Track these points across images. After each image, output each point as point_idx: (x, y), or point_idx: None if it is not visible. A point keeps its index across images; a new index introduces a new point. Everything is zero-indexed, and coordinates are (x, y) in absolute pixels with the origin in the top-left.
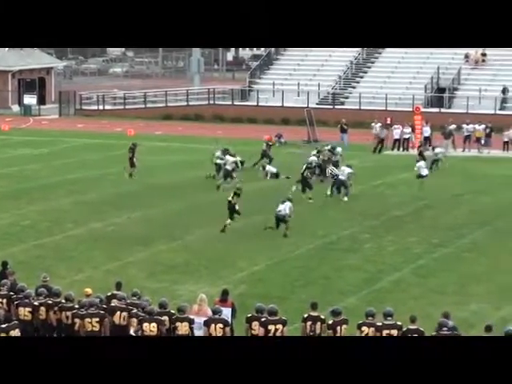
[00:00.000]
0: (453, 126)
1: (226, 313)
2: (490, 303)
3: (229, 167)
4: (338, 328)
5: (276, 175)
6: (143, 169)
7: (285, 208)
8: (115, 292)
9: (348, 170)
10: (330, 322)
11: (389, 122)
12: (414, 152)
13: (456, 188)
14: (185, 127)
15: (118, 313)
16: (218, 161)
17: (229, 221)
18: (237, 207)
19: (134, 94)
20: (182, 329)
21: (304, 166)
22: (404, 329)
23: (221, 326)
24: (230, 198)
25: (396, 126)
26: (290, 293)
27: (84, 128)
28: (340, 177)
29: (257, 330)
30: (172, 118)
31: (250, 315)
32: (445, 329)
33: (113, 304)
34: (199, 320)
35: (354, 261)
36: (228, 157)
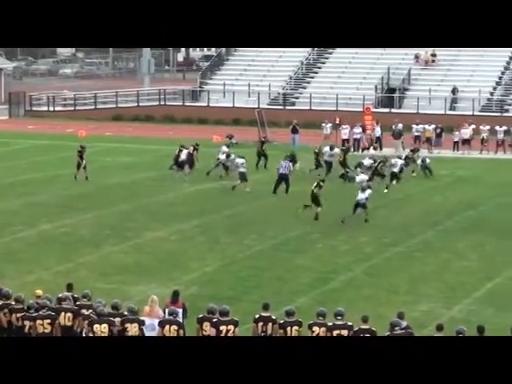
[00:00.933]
0: (400, 126)
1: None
2: (441, 303)
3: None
4: (289, 328)
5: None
6: (94, 170)
7: (365, 195)
8: (67, 293)
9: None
10: (282, 321)
11: (338, 122)
12: (365, 152)
13: (407, 188)
14: (135, 128)
15: (63, 314)
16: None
17: (319, 209)
18: (319, 198)
19: (85, 95)
20: (132, 330)
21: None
22: (356, 329)
23: (175, 327)
24: (313, 188)
25: (344, 126)
26: (241, 293)
27: (34, 129)
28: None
29: (208, 330)
30: (122, 118)
31: (201, 316)
32: (397, 328)
33: (59, 305)
34: (151, 321)
35: (305, 261)
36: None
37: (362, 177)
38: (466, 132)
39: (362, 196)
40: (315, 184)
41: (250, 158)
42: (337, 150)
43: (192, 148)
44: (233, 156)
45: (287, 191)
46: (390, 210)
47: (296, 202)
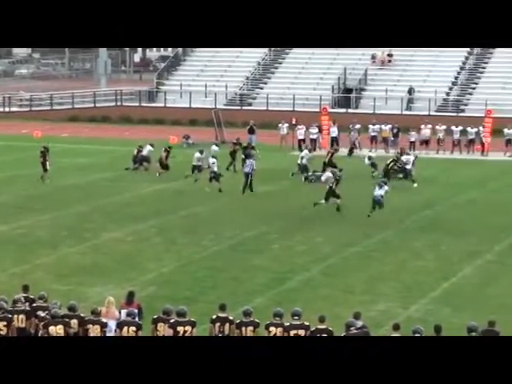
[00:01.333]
0: (357, 126)
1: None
2: (398, 302)
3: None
4: (244, 328)
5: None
6: (51, 171)
7: (381, 192)
8: (19, 295)
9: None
10: (238, 321)
11: (294, 122)
12: (322, 152)
13: (364, 188)
14: (91, 129)
15: (16, 316)
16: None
17: (339, 200)
18: (337, 191)
19: (41, 96)
20: (94, 331)
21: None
22: (312, 328)
23: (134, 328)
24: (331, 184)
25: (300, 127)
26: (198, 294)
27: None
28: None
29: (162, 331)
30: (79, 119)
31: (155, 317)
32: (352, 328)
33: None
34: (108, 323)
35: (262, 261)
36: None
37: (327, 174)
38: (426, 132)
39: (378, 192)
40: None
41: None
42: (306, 152)
43: (164, 151)
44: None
45: (251, 190)
46: (346, 210)
47: (254, 202)
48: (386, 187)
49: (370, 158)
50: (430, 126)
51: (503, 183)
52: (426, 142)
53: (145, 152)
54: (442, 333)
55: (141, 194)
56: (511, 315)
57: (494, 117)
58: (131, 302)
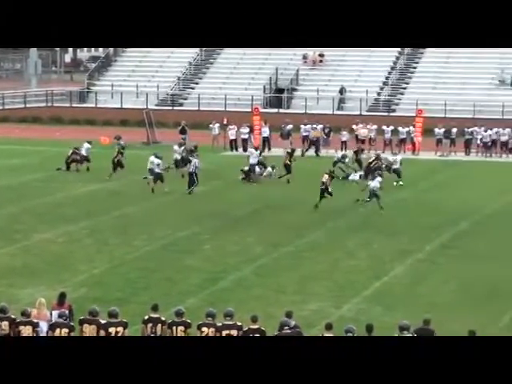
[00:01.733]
0: (290, 127)
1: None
2: (330, 302)
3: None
4: (174, 328)
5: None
6: None
7: (376, 184)
8: None
9: None
10: (169, 321)
11: (225, 122)
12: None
13: (296, 188)
14: (22, 129)
15: None
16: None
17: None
18: (330, 189)
19: None
20: (26, 332)
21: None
22: (245, 328)
23: (66, 330)
24: (324, 180)
25: (231, 127)
26: (130, 295)
27: None
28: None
29: (87, 332)
30: (9, 120)
31: (81, 318)
32: (286, 328)
33: None
34: (39, 324)
35: (194, 261)
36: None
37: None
38: (365, 132)
39: (373, 184)
40: (327, 176)
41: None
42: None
43: (117, 151)
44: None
45: (189, 189)
46: (277, 211)
47: (187, 202)
48: (378, 178)
49: (343, 156)
50: (375, 126)
51: (433, 183)
52: (362, 142)
53: (84, 151)
54: (373, 332)
55: (73, 194)
56: (441, 314)
57: (424, 116)
58: (63, 303)
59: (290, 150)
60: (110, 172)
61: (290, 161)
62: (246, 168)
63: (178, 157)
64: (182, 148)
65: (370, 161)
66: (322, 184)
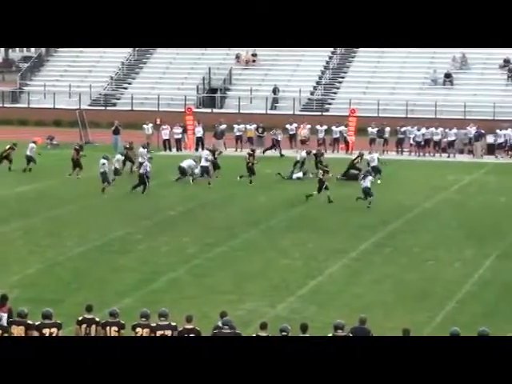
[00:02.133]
0: (223, 126)
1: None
2: (265, 301)
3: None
4: (108, 328)
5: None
6: None
7: (367, 182)
8: None
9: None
10: (103, 321)
11: (158, 122)
12: (188, 152)
13: (231, 188)
14: None
15: None
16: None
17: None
18: (326, 183)
19: None
20: None
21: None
22: (180, 329)
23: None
24: (321, 177)
25: (164, 127)
26: (64, 296)
27: None
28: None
29: (16, 333)
30: None
31: (11, 319)
32: (226, 327)
33: None
34: None
35: (128, 262)
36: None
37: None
38: (305, 132)
39: (365, 184)
40: (323, 171)
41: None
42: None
43: (74, 150)
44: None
45: (143, 191)
46: (210, 210)
47: (120, 203)
48: (370, 177)
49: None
50: (309, 126)
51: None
52: (302, 142)
53: (29, 152)
54: (308, 331)
55: (3, 195)
56: (376, 312)
57: (357, 116)
58: (3, 305)
59: (251, 151)
60: (71, 171)
61: (251, 162)
62: (197, 170)
63: (141, 160)
64: (146, 150)
65: (353, 158)
66: (320, 181)
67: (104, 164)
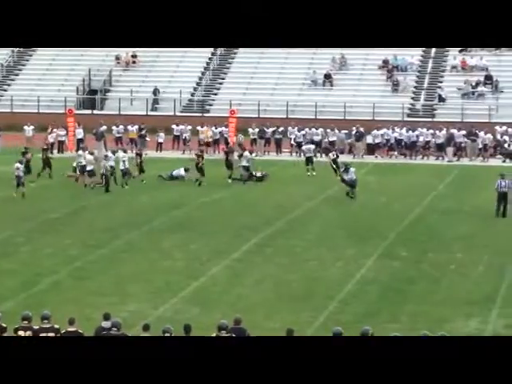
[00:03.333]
0: (104, 128)
1: None
2: (148, 302)
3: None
4: None
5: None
6: None
7: (351, 174)
8: None
9: None
10: None
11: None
12: (70, 153)
13: (113, 189)
14: None
15: None
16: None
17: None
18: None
19: None
20: None
21: None
22: (62, 331)
23: None
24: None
25: (55, 130)
26: None
27: None
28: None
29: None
30: None
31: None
32: (115, 329)
33: None
34: None
35: (9, 265)
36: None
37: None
38: (210, 133)
39: (350, 176)
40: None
41: None
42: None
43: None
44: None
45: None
46: (93, 212)
47: (4, 205)
48: (352, 169)
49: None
50: (184, 126)
51: (248, 183)
52: (207, 144)
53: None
54: (191, 332)
55: None
56: (259, 312)
57: (237, 117)
58: None
59: (199, 152)
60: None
61: (200, 162)
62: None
63: (112, 163)
64: (115, 156)
65: (333, 158)
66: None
67: (18, 168)
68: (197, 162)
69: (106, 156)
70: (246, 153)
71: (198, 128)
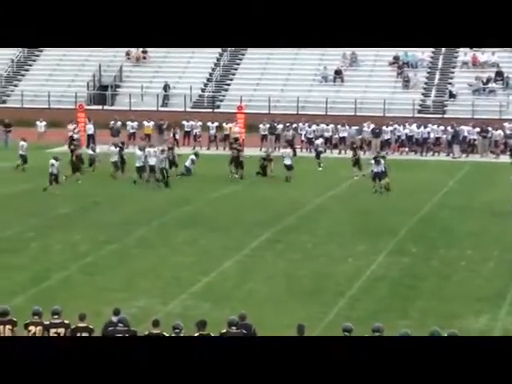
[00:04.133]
0: (119, 124)
1: None
2: (158, 298)
3: None
4: (2, 327)
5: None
6: None
7: (381, 168)
8: None
9: None
10: None
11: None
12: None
13: (121, 187)
14: None
15: None
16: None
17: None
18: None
19: None
20: None
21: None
22: (73, 327)
23: None
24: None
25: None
26: None
27: None
28: None
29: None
30: None
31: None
32: (121, 325)
33: None
34: None
35: (20, 260)
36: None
37: None
38: (237, 130)
39: (378, 169)
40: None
41: None
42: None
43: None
44: None
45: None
46: (105, 208)
47: (10, 201)
48: (382, 161)
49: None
50: (194, 122)
51: (257, 178)
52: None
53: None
54: (206, 328)
55: None
56: (270, 308)
57: (248, 112)
58: None
59: (238, 146)
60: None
61: (240, 156)
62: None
63: (116, 159)
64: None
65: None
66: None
67: (53, 165)
68: (236, 156)
69: (163, 151)
70: (288, 150)
71: (223, 125)
